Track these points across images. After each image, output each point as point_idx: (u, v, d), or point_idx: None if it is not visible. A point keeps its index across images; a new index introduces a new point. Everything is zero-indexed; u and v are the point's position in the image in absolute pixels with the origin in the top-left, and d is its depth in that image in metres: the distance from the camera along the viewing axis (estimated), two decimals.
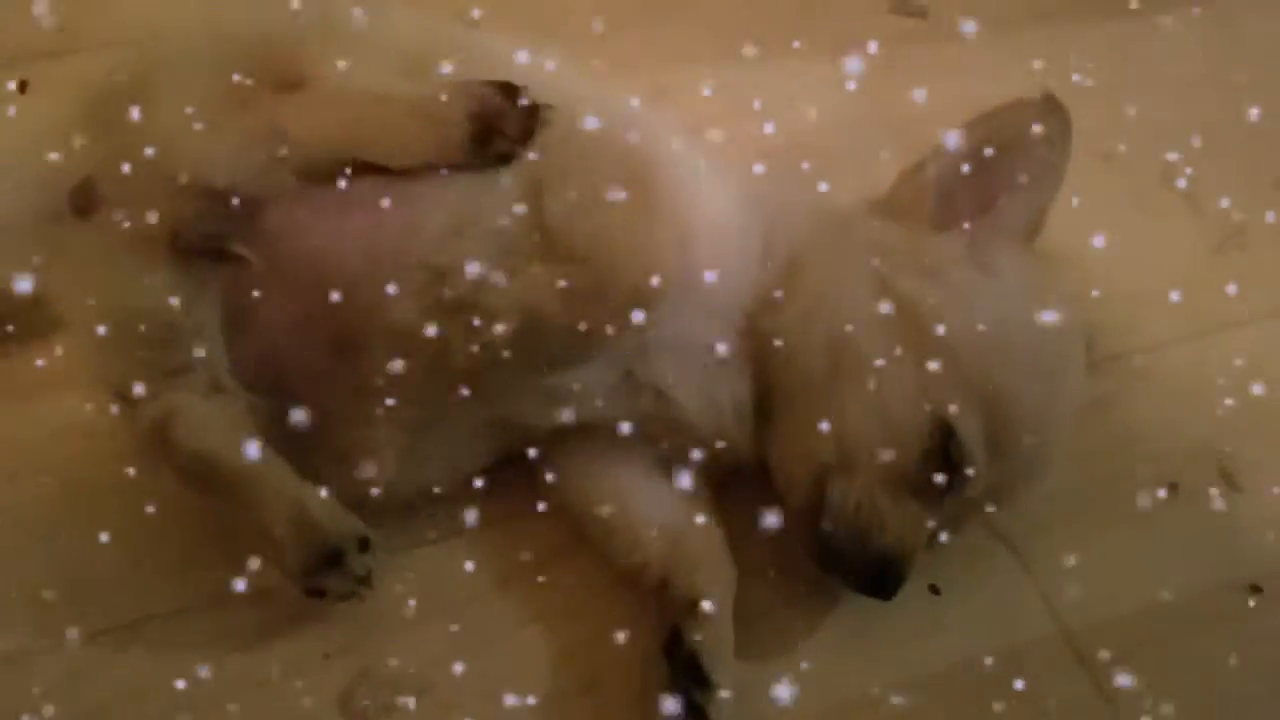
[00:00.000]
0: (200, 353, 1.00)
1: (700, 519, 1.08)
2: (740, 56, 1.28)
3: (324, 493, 0.98)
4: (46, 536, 1.06)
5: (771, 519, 1.01)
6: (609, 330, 0.98)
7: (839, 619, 1.09)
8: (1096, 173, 1.35)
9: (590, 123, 1.00)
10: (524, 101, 1.01)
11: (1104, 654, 1.08)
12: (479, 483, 1.07)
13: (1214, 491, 1.20)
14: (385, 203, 1.00)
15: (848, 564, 1.03)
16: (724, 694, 0.99)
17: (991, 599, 1.12)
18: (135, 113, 0.99)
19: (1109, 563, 1.14)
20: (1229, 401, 1.22)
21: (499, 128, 1.01)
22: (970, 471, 1.02)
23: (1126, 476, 1.20)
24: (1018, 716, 1.04)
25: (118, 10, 1.24)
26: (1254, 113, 1.35)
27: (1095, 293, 1.26)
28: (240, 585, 0.98)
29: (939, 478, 1.02)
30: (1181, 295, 1.25)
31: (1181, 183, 1.44)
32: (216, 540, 1.03)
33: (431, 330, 0.99)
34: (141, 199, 0.99)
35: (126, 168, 0.99)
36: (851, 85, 1.16)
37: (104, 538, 1.02)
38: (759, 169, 1.13)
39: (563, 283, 0.97)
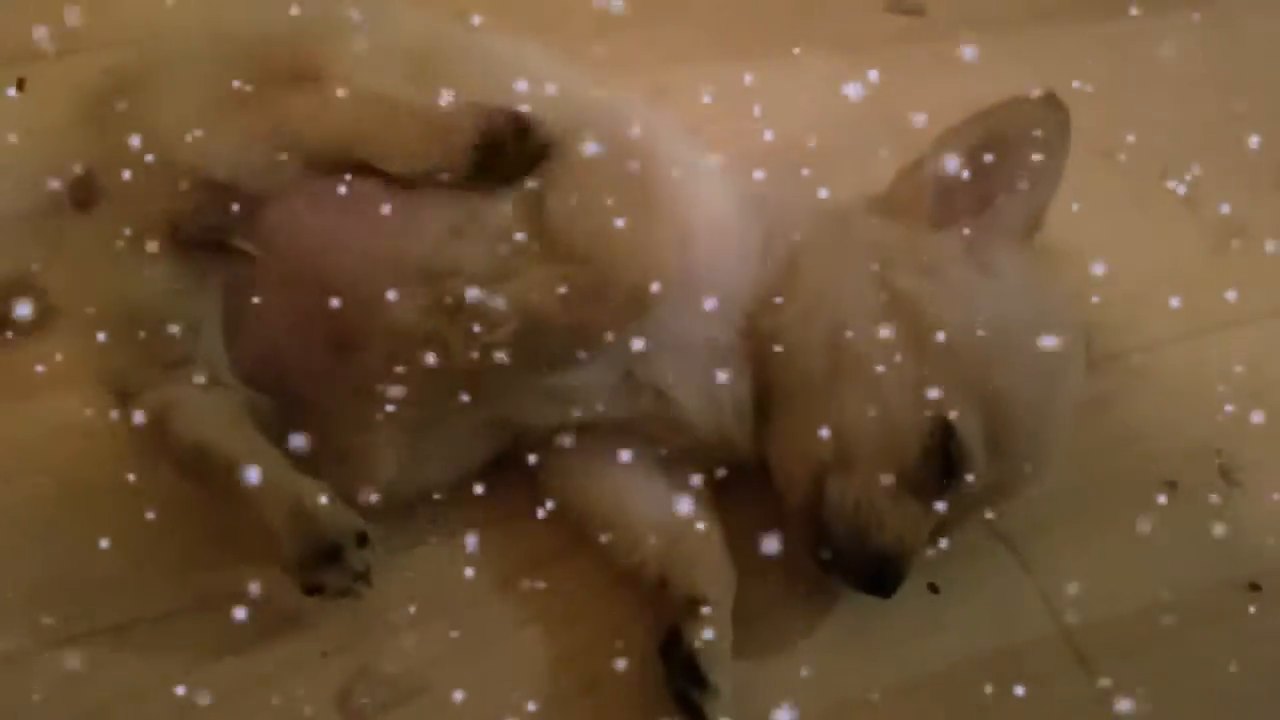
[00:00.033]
0: (199, 346, 1.00)
1: (700, 519, 1.08)
2: (739, 56, 1.28)
3: (323, 492, 0.97)
4: (44, 537, 1.06)
5: (772, 544, 1.01)
6: (608, 331, 0.98)
7: (838, 618, 1.09)
8: (1096, 172, 1.35)
9: (591, 149, 0.99)
10: (532, 132, 1.01)
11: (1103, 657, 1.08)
12: (478, 488, 1.07)
13: (1213, 491, 1.20)
14: (385, 205, 1.00)
15: (847, 562, 1.03)
16: (723, 695, 0.99)
17: (991, 598, 1.12)
18: (136, 108, 0.99)
19: (1109, 562, 1.14)
20: (1228, 401, 1.22)
21: (504, 152, 1.01)
22: (970, 471, 1.02)
23: (1126, 476, 1.20)
24: (1017, 716, 1.04)
25: (118, 10, 1.24)
26: (1254, 113, 1.35)
27: (1095, 295, 1.26)
28: (241, 614, 0.98)
29: (938, 477, 1.02)
30: (1181, 295, 1.25)
31: (1181, 184, 1.44)
32: (215, 540, 1.03)
33: (431, 331, 0.99)
34: (142, 192, 0.99)
35: (126, 164, 0.99)
36: (852, 98, 1.16)
37: (103, 540, 1.02)
38: (758, 169, 1.12)
39: (563, 283, 0.97)
